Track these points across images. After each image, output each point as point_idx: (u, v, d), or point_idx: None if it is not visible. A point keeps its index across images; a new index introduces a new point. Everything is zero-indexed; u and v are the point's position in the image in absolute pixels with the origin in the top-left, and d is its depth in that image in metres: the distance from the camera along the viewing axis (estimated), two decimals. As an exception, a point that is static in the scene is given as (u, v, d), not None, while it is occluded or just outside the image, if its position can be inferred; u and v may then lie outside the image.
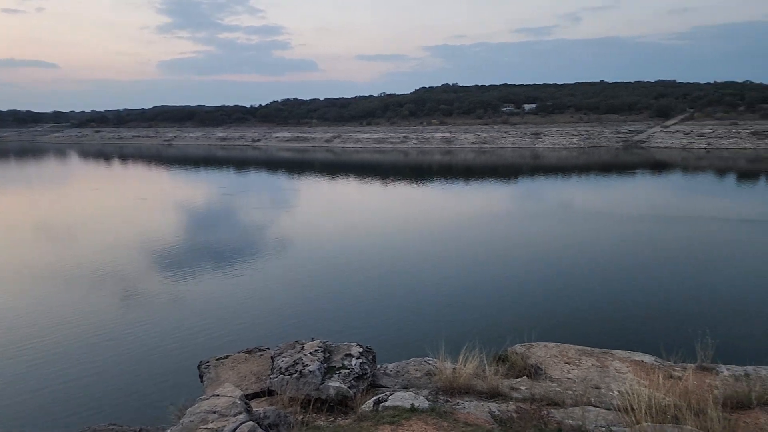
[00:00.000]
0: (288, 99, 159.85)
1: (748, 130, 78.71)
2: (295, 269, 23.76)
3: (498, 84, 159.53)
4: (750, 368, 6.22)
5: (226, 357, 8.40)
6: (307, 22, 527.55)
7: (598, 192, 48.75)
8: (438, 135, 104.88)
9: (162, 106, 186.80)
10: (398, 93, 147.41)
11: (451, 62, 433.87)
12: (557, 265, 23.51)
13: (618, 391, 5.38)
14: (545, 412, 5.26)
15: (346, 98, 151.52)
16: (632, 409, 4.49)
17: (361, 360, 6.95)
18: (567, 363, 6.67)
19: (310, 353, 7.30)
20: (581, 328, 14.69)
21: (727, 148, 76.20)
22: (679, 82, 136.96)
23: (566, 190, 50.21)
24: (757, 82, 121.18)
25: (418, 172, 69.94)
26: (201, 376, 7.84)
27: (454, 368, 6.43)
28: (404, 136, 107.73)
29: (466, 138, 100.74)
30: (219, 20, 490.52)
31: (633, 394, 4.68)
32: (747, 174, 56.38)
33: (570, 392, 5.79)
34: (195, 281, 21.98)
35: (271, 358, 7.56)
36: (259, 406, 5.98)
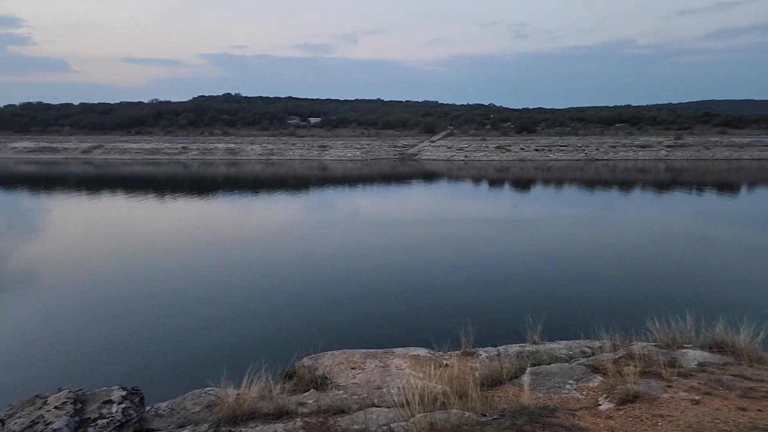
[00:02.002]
0: (30, 103, 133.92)
1: (494, 145, 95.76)
2: (36, 308, 19.76)
3: (283, 97, 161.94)
4: (501, 348, 7.34)
5: (-73, 436, 6.47)
6: (55, 15, 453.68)
7: (381, 200, 53.07)
8: (222, 146, 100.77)
9: None
10: (174, 100, 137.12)
11: (233, 72, 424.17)
12: (340, 272, 24.67)
13: (397, 388, 5.75)
14: (332, 422, 5.31)
15: (109, 104, 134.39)
16: (408, 403, 4.83)
17: (124, 405, 6.03)
18: (353, 368, 6.90)
19: (55, 407, 6.05)
20: (366, 332, 15.65)
21: (479, 160, 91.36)
22: (441, 103, 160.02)
23: (353, 199, 53.38)
24: (498, 105, 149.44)
25: (200, 185, 65.88)
26: None
27: (237, 394, 6.05)
28: (183, 147, 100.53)
29: (252, 149, 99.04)
30: None
31: (408, 388, 5.04)
32: (495, 181, 68.43)
33: (355, 397, 5.97)
34: None
35: (1, 421, 6.06)
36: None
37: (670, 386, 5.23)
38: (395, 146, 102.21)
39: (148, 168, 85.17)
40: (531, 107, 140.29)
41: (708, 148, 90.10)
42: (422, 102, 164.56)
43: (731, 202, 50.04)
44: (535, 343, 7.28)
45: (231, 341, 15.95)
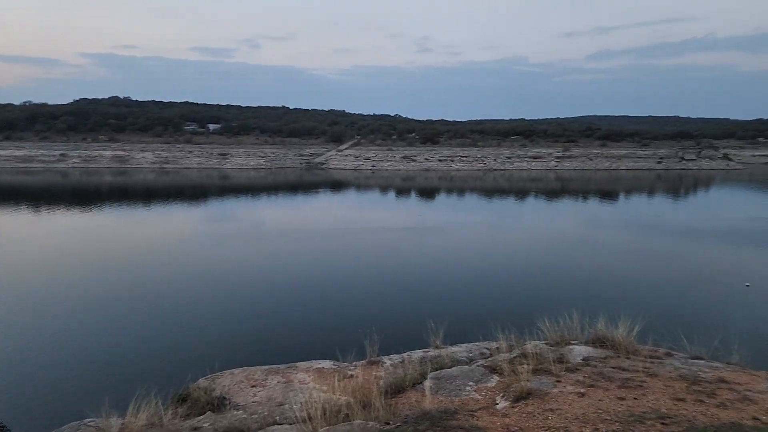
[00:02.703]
0: None
1: (400, 155, 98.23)
2: None
3: (179, 101, 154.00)
4: (405, 354, 7.47)
5: None
6: None
7: (287, 209, 52.12)
8: (108, 153, 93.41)
9: None
10: (51, 103, 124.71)
11: (120, 74, 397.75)
12: (240, 286, 23.82)
13: (300, 403, 5.63)
14: (229, 445, 5.06)
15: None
16: (310, 417, 4.74)
17: (-19, 448, 5.32)
18: (254, 386, 6.66)
19: None
20: (269, 347, 15.16)
21: (386, 170, 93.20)
22: (348, 112, 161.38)
23: (257, 209, 51.91)
24: (404, 115, 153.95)
25: (83, 196, 60.44)
26: None
27: (122, 423, 5.57)
28: (61, 154, 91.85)
29: (144, 157, 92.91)
30: None
31: (311, 402, 4.95)
32: (402, 190, 70.13)
33: (256, 416, 5.76)
34: None
35: None
36: None
37: (559, 381, 5.63)
38: (301, 155, 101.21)
39: (18, 177, 76.61)
40: (434, 119, 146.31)
41: (591, 159, 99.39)
42: (329, 111, 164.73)
43: (611, 208, 55.56)
44: (437, 347, 7.49)
45: (116, 366, 14.64)
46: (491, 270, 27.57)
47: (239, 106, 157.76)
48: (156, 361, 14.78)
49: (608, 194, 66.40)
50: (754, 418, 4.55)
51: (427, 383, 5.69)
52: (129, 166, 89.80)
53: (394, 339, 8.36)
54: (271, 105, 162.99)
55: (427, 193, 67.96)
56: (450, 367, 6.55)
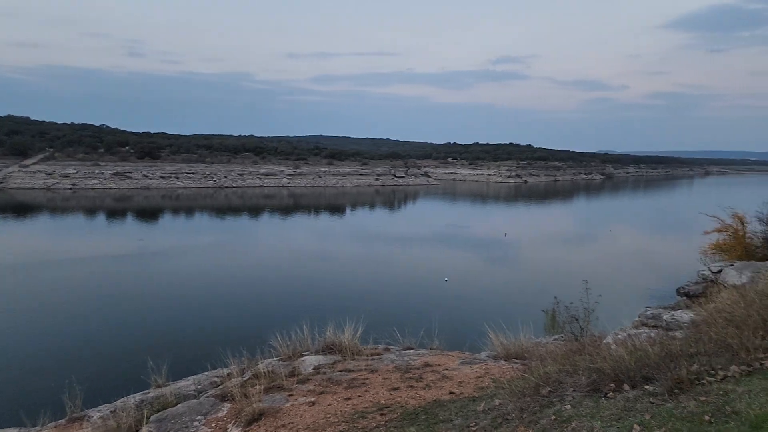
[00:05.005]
0: None
1: (110, 171, 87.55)
2: None
3: None
4: (119, 402, 6.61)
5: None
6: None
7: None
8: None
9: None
10: None
11: None
12: None
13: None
14: None
15: None
16: None
17: None
18: None
19: None
20: None
21: (93, 188, 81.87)
22: (35, 120, 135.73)
23: None
24: (113, 126, 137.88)
25: None
26: None
27: None
28: None
29: None
30: None
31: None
32: (115, 212, 62.50)
33: None
34: None
35: None
36: None
37: (291, 395, 5.79)
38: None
39: None
40: (153, 131, 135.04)
41: (320, 177, 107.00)
42: (6, 117, 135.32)
43: (339, 221, 60.74)
44: (159, 386, 6.87)
45: None
46: (219, 293, 26.88)
47: None
48: None
49: (337, 209, 72.42)
50: (451, 393, 5.51)
51: (145, 429, 5.15)
52: None
53: (105, 387, 7.38)
54: None
55: (149, 214, 62.36)
56: (175, 405, 6.09)
